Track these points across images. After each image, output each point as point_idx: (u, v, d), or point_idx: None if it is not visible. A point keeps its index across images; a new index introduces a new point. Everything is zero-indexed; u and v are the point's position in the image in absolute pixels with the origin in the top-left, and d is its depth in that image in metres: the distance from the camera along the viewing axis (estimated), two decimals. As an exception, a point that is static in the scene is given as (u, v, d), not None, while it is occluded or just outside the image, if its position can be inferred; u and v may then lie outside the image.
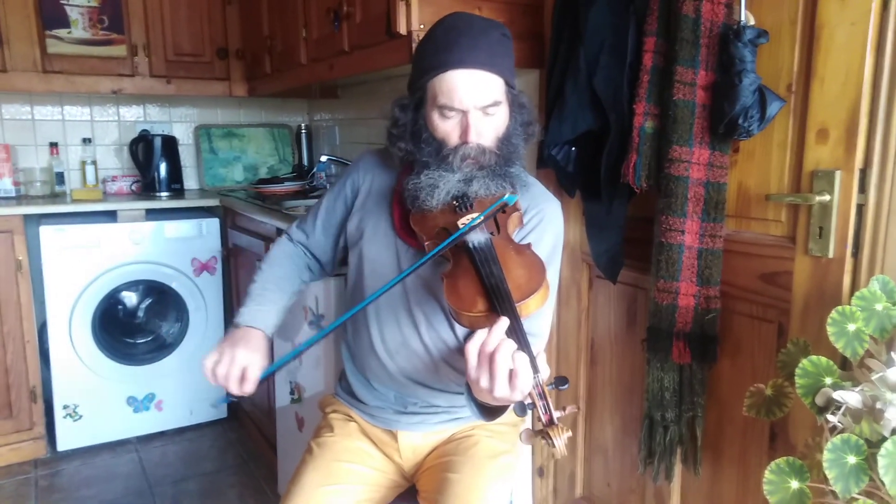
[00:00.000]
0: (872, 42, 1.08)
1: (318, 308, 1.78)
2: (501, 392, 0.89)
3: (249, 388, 1.14)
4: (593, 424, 1.77)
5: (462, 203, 1.15)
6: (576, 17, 1.47)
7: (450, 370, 1.23)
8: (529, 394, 0.89)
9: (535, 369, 0.89)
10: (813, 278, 1.19)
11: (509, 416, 1.36)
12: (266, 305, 1.29)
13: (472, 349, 0.92)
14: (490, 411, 1.03)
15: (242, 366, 1.15)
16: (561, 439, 0.85)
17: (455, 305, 1.01)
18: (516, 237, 1.20)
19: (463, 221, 1.11)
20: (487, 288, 1.00)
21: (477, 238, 1.08)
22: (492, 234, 1.12)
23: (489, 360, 0.89)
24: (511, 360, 0.88)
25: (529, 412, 0.91)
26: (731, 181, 1.33)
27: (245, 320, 1.25)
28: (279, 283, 1.34)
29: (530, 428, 0.91)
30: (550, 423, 0.87)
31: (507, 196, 1.13)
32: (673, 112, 1.29)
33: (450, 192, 1.16)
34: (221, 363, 1.15)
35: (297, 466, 1.29)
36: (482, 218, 1.10)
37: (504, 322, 0.93)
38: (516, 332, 0.93)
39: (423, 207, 1.17)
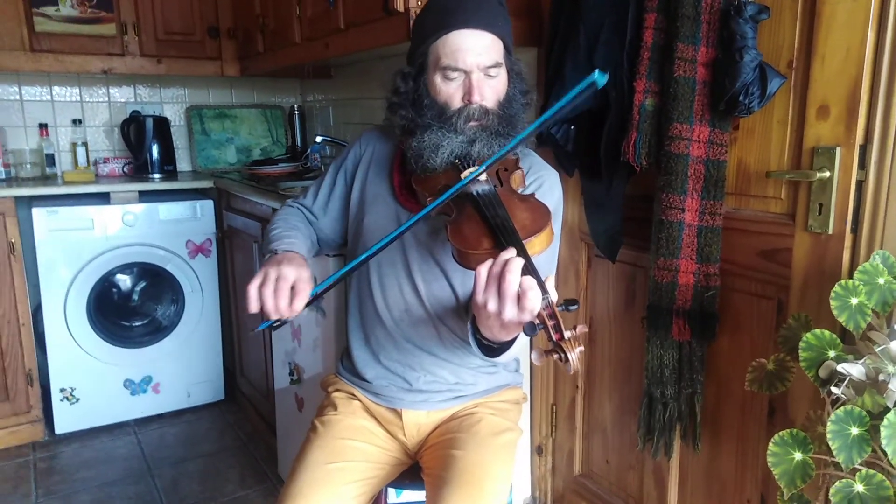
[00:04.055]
0: (874, 19, 1.08)
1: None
2: (510, 313, 0.86)
3: (299, 305, 1.06)
4: (592, 402, 1.79)
5: (464, 162, 1.15)
6: (576, -6, 1.46)
7: (453, 336, 1.25)
8: (539, 314, 0.86)
9: (545, 291, 0.86)
10: (812, 255, 1.20)
11: (511, 393, 1.39)
12: (297, 240, 1.26)
13: (481, 270, 0.90)
14: (493, 350, 1.01)
15: (293, 280, 1.07)
16: (574, 353, 0.82)
17: (460, 245, 1.00)
18: None
19: (465, 174, 1.11)
20: (493, 227, 0.99)
21: (481, 187, 1.09)
22: (495, 186, 1.12)
23: (497, 279, 0.87)
24: (519, 280, 0.86)
25: (539, 332, 0.88)
26: (731, 158, 1.34)
27: (284, 248, 1.20)
28: (300, 230, 1.33)
29: (540, 348, 0.87)
30: (562, 339, 0.83)
31: (595, 74, 1.01)
32: (673, 89, 1.29)
33: (453, 152, 1.16)
34: (268, 281, 1.07)
35: (302, 445, 1.29)
36: (491, 163, 1.08)
37: (511, 251, 0.90)
38: (524, 263, 0.90)
39: (427, 166, 1.17)
